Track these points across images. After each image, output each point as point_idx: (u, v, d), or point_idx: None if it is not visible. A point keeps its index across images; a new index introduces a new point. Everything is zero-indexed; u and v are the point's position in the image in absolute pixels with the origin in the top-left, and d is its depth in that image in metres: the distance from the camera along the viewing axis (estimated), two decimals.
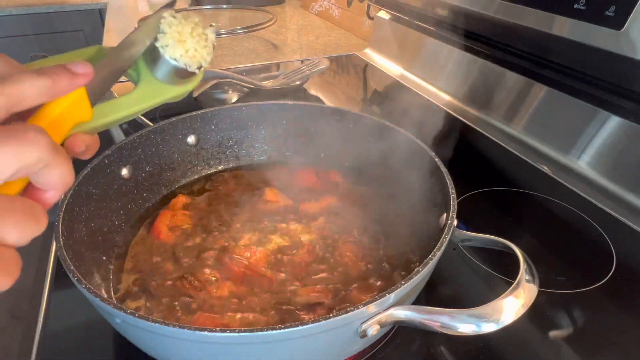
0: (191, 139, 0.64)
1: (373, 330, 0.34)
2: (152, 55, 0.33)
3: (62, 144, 0.27)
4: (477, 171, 0.71)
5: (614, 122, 0.64)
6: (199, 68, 0.34)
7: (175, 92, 0.34)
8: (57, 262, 0.53)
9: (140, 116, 0.68)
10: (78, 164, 0.76)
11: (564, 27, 0.62)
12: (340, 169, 0.65)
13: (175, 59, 0.32)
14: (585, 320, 0.47)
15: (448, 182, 0.46)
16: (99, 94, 0.29)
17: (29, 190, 0.25)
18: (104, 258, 0.49)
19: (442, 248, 0.38)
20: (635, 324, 0.46)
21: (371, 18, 1.29)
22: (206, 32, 0.34)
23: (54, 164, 0.23)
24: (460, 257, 0.54)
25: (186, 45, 0.32)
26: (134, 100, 0.32)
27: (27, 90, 0.23)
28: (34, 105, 0.24)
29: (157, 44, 0.32)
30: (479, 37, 0.85)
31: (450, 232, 0.40)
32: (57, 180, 0.24)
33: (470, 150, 0.79)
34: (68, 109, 0.26)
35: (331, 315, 0.32)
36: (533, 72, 0.76)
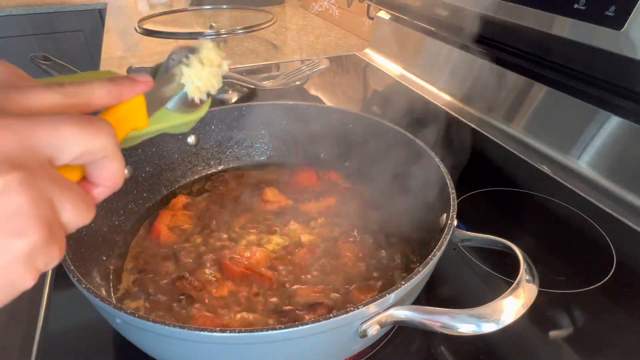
0: (191, 139, 0.64)
1: (373, 330, 0.34)
2: (164, 82, 0.33)
3: None
4: (477, 171, 0.71)
5: (614, 122, 0.64)
6: (207, 95, 0.34)
7: (181, 119, 0.35)
8: None
9: None
10: None
11: (564, 27, 0.62)
12: (340, 169, 0.65)
13: (187, 88, 0.33)
14: (585, 320, 0.47)
15: (448, 182, 0.46)
16: (151, 110, 0.31)
17: (80, 184, 0.26)
18: (104, 258, 0.49)
19: (442, 248, 0.38)
20: (635, 324, 0.46)
21: (371, 18, 1.29)
22: (222, 63, 0.34)
23: (113, 157, 0.25)
24: (460, 257, 0.54)
25: (201, 75, 0.33)
26: None
27: (97, 92, 0.26)
28: (101, 106, 0.27)
29: (173, 71, 0.32)
30: (479, 37, 0.85)
31: (450, 232, 0.40)
32: (110, 175, 0.26)
33: (470, 150, 0.79)
34: (128, 114, 0.28)
35: (331, 315, 0.32)
36: (533, 72, 0.76)
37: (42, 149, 0.22)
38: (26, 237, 0.21)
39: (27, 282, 0.22)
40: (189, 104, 0.34)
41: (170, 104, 0.33)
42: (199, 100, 0.34)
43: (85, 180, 0.26)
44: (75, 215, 0.23)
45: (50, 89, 0.24)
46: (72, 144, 0.23)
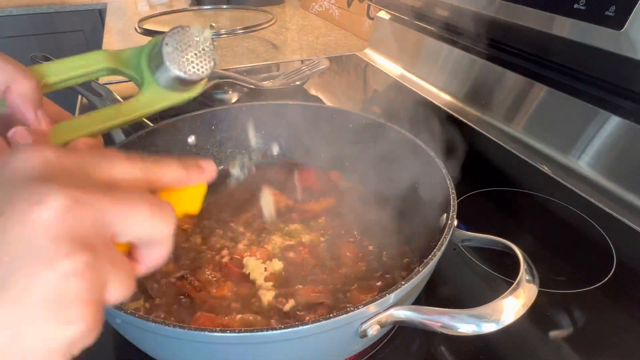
0: (191, 139, 0.64)
1: (373, 330, 0.34)
2: (156, 62, 0.33)
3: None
4: (477, 171, 0.71)
5: (614, 122, 0.64)
6: (200, 79, 0.35)
7: (176, 99, 0.35)
8: None
9: None
10: None
11: (564, 27, 0.62)
12: (340, 169, 0.65)
13: (177, 69, 0.33)
14: (586, 321, 0.47)
15: (448, 182, 0.46)
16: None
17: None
18: None
19: (442, 248, 0.38)
20: (635, 324, 0.46)
21: (371, 18, 1.29)
22: (212, 45, 0.35)
23: (167, 244, 0.25)
24: (460, 257, 0.54)
25: (187, 55, 0.33)
26: (138, 105, 0.33)
27: (169, 174, 0.27)
28: (167, 187, 0.27)
29: (162, 51, 0.33)
30: (479, 37, 0.85)
31: (450, 232, 0.40)
32: (157, 258, 0.26)
33: (470, 150, 0.79)
34: (187, 198, 0.29)
35: (331, 315, 0.32)
36: (533, 72, 0.76)
37: (112, 226, 0.22)
38: (75, 325, 0.19)
39: None
40: (183, 83, 0.34)
41: (162, 81, 0.34)
42: (192, 80, 0.34)
43: (129, 254, 0.26)
44: (119, 294, 0.22)
45: (132, 163, 0.24)
46: (140, 226, 0.23)
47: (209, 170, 0.29)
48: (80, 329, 0.19)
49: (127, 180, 0.24)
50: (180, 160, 0.28)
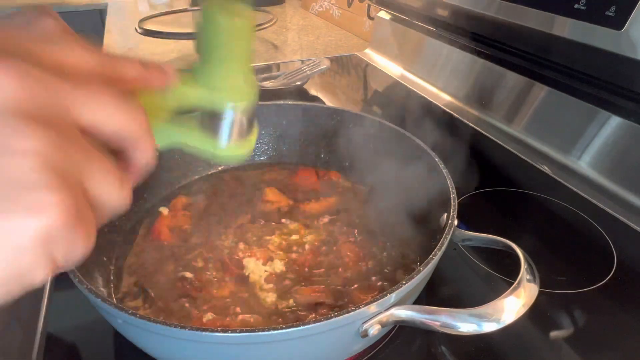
0: None
1: (374, 330, 0.34)
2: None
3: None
4: (477, 171, 0.71)
5: (614, 122, 0.64)
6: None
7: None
8: None
9: None
10: None
11: (564, 27, 0.62)
12: (340, 169, 0.65)
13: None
14: (586, 321, 0.47)
15: (448, 182, 0.46)
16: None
17: None
18: (105, 259, 0.49)
19: (443, 248, 0.38)
20: (635, 324, 0.46)
21: (371, 18, 1.29)
22: None
23: (146, 140, 0.23)
24: (460, 257, 0.54)
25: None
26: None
27: (130, 71, 0.24)
28: (127, 87, 0.24)
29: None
30: (479, 37, 0.85)
31: (450, 232, 0.40)
32: (142, 159, 0.24)
33: (470, 150, 0.79)
34: (151, 104, 0.28)
35: (332, 315, 0.32)
36: (533, 72, 0.76)
37: (76, 114, 0.19)
38: (44, 214, 0.16)
39: (37, 275, 0.17)
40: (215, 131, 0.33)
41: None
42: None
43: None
44: (108, 193, 0.19)
45: (89, 51, 0.21)
46: (110, 118, 0.20)
47: (170, 73, 0.27)
48: (52, 220, 0.16)
49: (83, 69, 0.21)
50: (139, 60, 0.26)
